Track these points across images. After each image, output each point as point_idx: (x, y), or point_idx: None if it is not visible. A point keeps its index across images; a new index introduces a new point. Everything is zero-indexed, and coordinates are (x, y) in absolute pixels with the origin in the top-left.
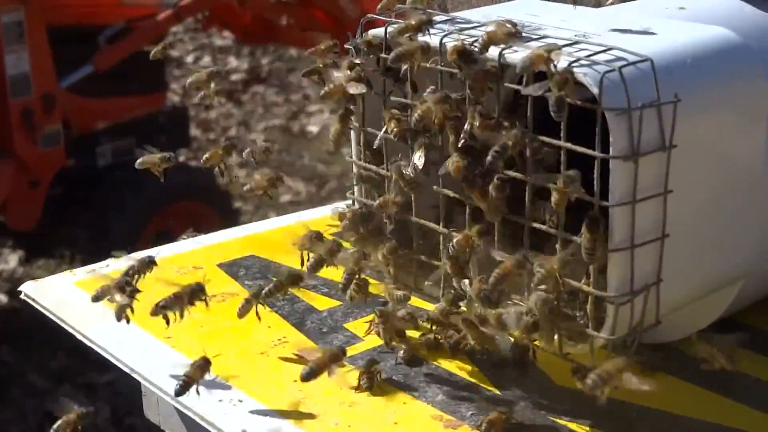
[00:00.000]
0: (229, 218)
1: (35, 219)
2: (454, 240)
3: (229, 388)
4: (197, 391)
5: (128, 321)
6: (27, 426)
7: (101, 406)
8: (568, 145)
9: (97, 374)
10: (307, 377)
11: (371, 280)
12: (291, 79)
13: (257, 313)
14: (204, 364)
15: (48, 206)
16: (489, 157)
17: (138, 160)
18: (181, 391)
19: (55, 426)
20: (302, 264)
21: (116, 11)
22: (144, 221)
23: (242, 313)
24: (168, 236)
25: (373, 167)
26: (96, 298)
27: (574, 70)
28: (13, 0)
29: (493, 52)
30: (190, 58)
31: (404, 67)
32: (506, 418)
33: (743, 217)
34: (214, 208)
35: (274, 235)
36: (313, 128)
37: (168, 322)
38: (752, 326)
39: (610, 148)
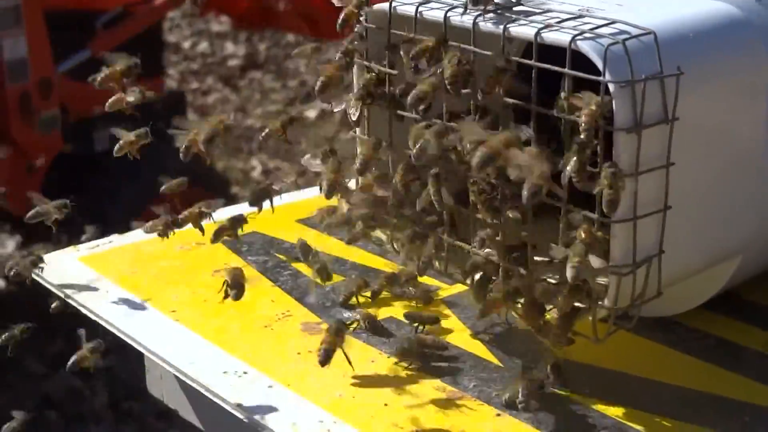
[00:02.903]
0: (226, 204)
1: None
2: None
3: (233, 360)
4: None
5: None
6: (24, 410)
7: (99, 390)
8: (572, 117)
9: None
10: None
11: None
12: (288, 65)
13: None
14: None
15: (45, 191)
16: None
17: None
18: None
19: None
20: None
21: None
22: (141, 206)
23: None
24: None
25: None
26: None
27: (578, 42)
28: None
29: (496, 28)
30: (187, 44)
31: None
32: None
33: (743, 190)
34: (211, 194)
35: (276, 212)
36: (311, 114)
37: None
38: (751, 301)
39: (614, 120)
